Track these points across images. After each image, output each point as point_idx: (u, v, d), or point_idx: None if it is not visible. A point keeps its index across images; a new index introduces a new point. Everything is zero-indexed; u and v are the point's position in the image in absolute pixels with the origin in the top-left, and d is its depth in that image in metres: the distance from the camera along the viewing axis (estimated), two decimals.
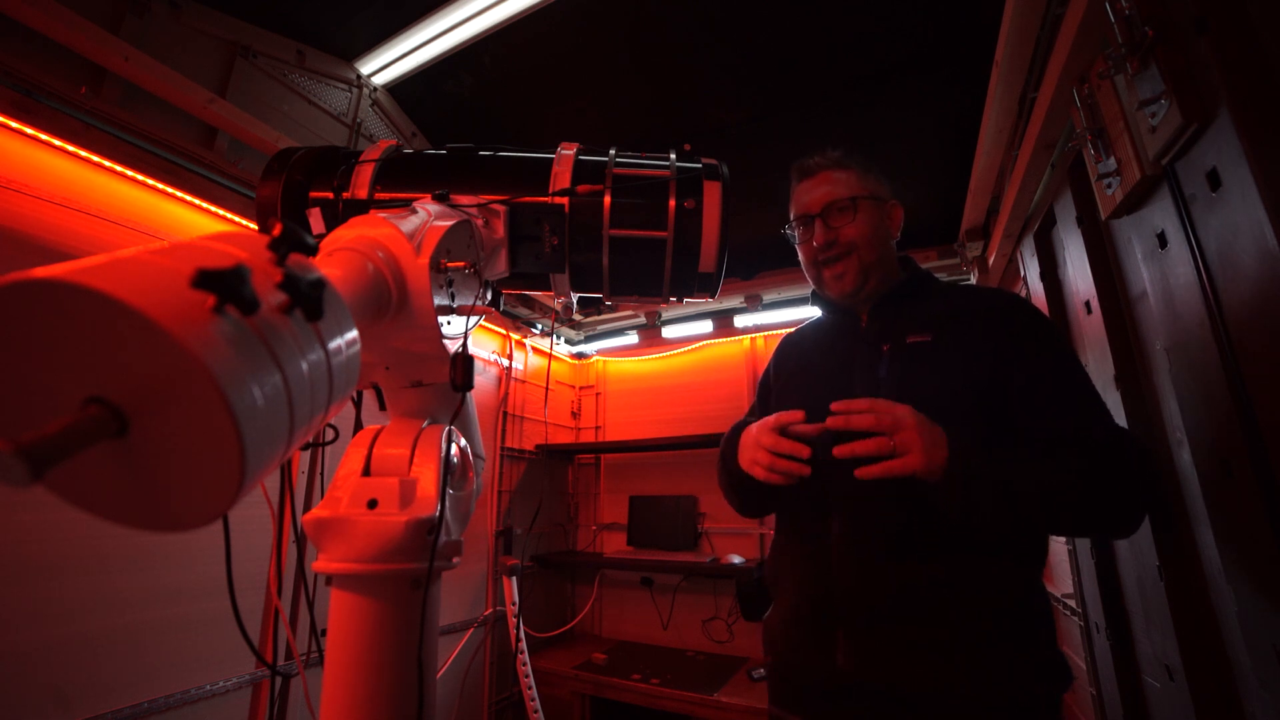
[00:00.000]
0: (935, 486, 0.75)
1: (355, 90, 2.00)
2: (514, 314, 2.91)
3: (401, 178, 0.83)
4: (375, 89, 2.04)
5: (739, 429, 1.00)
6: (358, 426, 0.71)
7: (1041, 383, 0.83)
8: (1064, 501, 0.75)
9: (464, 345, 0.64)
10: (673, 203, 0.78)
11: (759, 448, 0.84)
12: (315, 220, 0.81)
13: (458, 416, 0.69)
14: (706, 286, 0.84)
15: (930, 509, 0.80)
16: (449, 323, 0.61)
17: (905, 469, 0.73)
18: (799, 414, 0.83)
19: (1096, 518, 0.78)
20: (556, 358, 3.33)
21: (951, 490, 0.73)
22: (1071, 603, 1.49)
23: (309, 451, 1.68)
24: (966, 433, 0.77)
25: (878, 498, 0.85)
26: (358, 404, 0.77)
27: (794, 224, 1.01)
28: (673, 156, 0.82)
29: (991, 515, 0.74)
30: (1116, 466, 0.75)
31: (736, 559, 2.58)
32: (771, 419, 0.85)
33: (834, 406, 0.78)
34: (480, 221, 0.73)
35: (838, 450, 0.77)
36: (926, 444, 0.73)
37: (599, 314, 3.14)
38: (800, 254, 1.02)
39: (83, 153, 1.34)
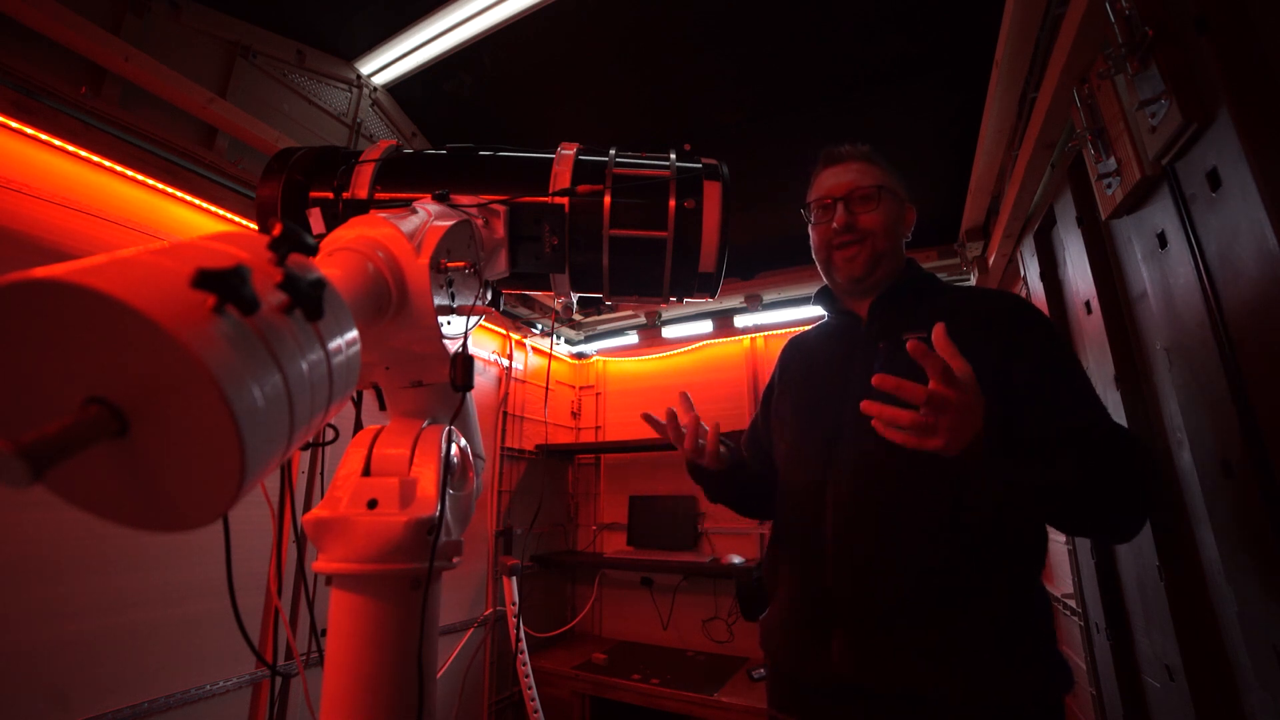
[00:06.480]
0: (954, 459, 0.69)
1: (355, 90, 2.00)
2: (514, 314, 2.91)
3: (401, 178, 0.83)
4: (375, 89, 2.04)
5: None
6: (358, 426, 0.70)
7: (1047, 380, 0.82)
8: (1075, 498, 0.71)
9: (464, 345, 0.64)
10: (673, 203, 0.78)
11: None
12: (315, 220, 0.81)
13: (458, 416, 0.69)
14: (706, 286, 0.84)
15: (922, 509, 0.82)
16: (449, 323, 0.61)
17: (922, 448, 0.68)
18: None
19: (1104, 515, 0.74)
20: (556, 358, 3.33)
21: (967, 468, 0.69)
22: (1071, 603, 1.49)
23: (309, 451, 1.68)
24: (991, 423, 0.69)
25: (873, 498, 0.86)
26: (358, 404, 0.77)
27: (812, 206, 1.02)
28: (673, 156, 0.82)
29: (998, 499, 0.75)
30: (1125, 464, 0.72)
31: (736, 559, 2.58)
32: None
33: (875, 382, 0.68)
34: (480, 221, 0.73)
35: (864, 405, 0.69)
36: (955, 432, 0.66)
37: (599, 314, 3.14)
38: (813, 236, 1.02)
39: (83, 153, 1.33)
